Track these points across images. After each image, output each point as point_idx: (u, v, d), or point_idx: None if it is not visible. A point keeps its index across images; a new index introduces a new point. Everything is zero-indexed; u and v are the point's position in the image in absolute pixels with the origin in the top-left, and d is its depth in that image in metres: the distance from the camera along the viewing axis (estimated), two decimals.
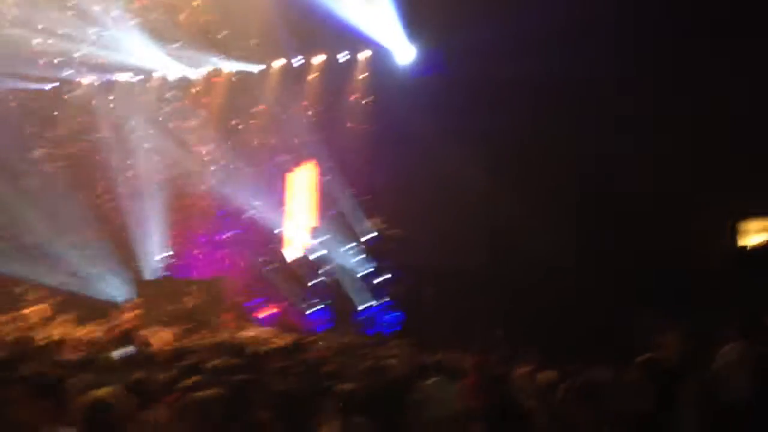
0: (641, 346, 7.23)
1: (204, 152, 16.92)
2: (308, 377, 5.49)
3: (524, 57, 13.16)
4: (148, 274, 16.34)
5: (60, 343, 8.85)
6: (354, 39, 15.59)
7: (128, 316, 11.86)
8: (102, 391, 3.48)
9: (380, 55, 15.75)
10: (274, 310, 15.26)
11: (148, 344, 8.42)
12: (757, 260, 12.21)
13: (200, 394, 4.03)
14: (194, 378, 4.61)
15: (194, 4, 15.02)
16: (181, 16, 15.29)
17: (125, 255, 16.26)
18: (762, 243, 12.71)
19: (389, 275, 15.53)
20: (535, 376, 6.66)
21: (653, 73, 13.03)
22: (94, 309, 14.55)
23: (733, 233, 13.11)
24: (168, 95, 17.06)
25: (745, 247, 12.93)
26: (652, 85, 12.98)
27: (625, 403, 4.60)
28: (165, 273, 16.59)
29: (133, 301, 13.74)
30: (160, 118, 16.98)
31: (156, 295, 14.57)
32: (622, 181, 13.10)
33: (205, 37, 15.63)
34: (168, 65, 16.54)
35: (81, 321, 13.08)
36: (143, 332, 9.59)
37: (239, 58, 16.39)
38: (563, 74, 13.14)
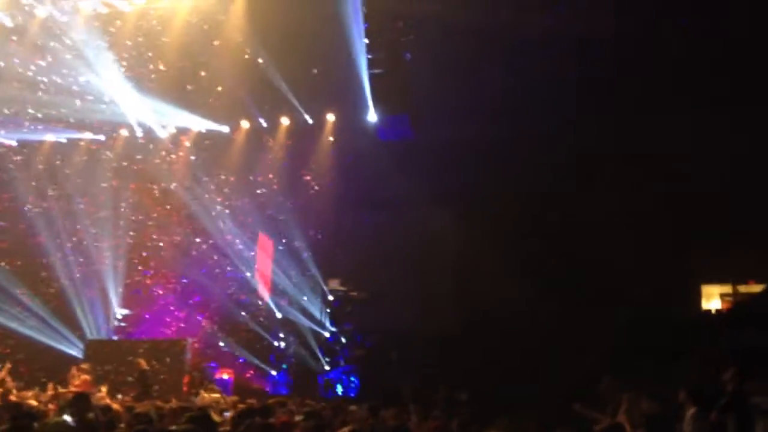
0: (604, 409, 7.18)
1: (167, 213, 16.73)
2: None
3: (489, 121, 13.47)
4: (102, 335, 15.83)
5: (4, 408, 8.36)
6: (320, 103, 15.80)
7: (79, 378, 11.33)
8: None
9: (346, 120, 15.94)
10: (232, 374, 14.85)
11: (99, 409, 8.02)
12: (717, 323, 12.40)
13: None
14: None
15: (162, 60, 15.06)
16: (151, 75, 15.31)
17: (79, 315, 15.79)
18: (722, 307, 12.95)
19: (351, 337, 15.34)
20: None
21: (620, 144, 13.34)
22: (44, 371, 13.94)
23: (694, 298, 13.32)
24: (130, 154, 16.93)
25: (708, 311, 13.15)
26: (613, 153, 13.27)
27: None
28: (120, 334, 16.10)
29: (84, 363, 13.17)
30: (125, 177, 16.82)
31: (109, 356, 14.05)
32: (588, 244, 13.23)
33: (174, 95, 15.63)
34: (133, 123, 16.48)
35: (28, 384, 12.48)
36: (94, 396, 9.14)
37: (206, 117, 16.43)
38: (531, 136, 13.42)
